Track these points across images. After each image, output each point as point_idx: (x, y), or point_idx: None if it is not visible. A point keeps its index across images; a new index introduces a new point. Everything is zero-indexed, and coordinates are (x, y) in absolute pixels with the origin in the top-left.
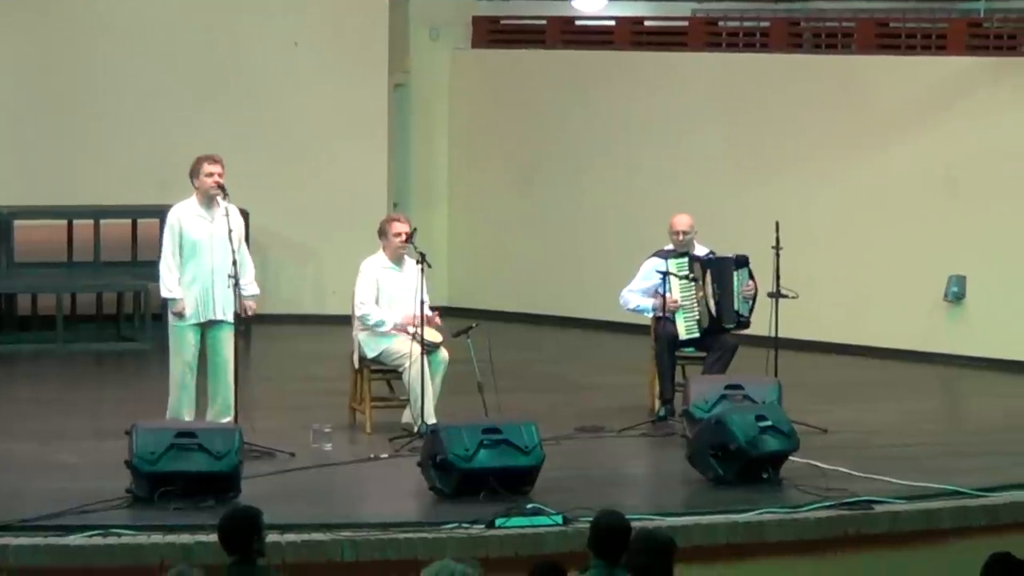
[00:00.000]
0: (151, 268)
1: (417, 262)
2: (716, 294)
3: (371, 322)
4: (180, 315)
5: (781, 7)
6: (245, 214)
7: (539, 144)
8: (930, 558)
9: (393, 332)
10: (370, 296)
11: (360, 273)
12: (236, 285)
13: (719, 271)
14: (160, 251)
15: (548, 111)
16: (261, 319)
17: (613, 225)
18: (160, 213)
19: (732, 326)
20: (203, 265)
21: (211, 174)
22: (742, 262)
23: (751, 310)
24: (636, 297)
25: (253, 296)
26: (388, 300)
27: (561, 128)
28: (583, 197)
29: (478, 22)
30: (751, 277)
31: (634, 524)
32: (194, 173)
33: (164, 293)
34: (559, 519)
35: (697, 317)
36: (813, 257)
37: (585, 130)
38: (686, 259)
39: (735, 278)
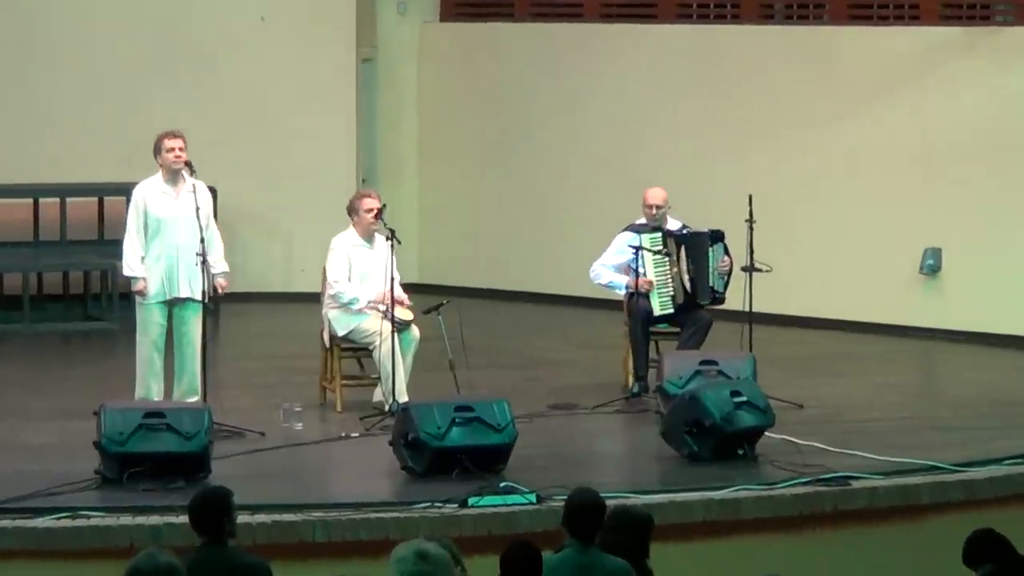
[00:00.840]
0: (118, 247)
1: (387, 239)
2: (691, 270)
3: (345, 299)
4: (141, 294)
5: None
6: (213, 191)
7: (509, 118)
8: (908, 534)
9: (366, 310)
10: (343, 274)
11: (331, 250)
12: (204, 263)
13: (694, 246)
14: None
15: (518, 84)
16: (229, 297)
17: (584, 199)
18: (126, 191)
19: (707, 302)
20: (168, 243)
21: (171, 149)
22: (717, 237)
23: (726, 286)
24: (608, 272)
25: (224, 274)
26: (360, 277)
27: (531, 102)
28: (554, 171)
29: None
30: (726, 252)
31: (609, 502)
32: (156, 150)
33: (125, 271)
34: (532, 497)
35: (671, 293)
36: (787, 230)
37: (555, 103)
38: (660, 234)
39: (710, 254)
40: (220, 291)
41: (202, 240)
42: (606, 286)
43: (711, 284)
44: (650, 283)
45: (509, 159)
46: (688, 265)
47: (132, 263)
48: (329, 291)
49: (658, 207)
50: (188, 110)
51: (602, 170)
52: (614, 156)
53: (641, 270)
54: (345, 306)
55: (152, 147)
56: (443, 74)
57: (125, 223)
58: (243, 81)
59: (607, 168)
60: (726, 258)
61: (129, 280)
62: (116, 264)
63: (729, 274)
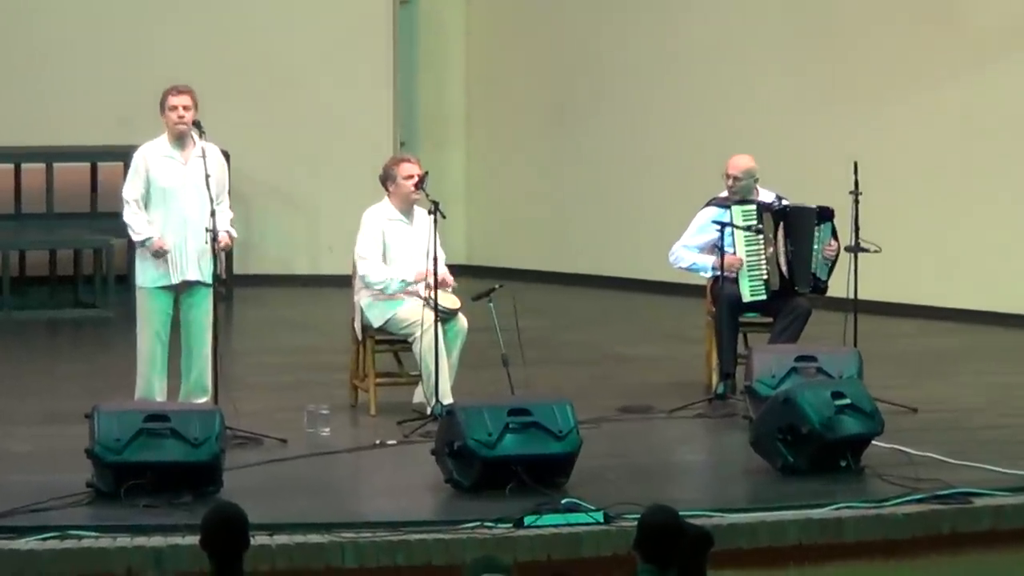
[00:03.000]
0: (114, 221)
1: (429, 212)
2: (789, 251)
3: (375, 283)
4: (163, 251)
5: None
6: (226, 155)
7: (572, 73)
8: None
9: (402, 296)
10: (374, 252)
11: (362, 225)
12: (214, 240)
13: (795, 223)
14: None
15: (582, 33)
16: (245, 280)
17: (659, 168)
18: (124, 155)
19: (807, 290)
20: (174, 216)
21: (174, 108)
22: (826, 215)
23: (830, 274)
24: (691, 254)
25: (227, 232)
26: (396, 258)
27: (598, 54)
28: (623, 135)
29: None
30: (834, 235)
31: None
32: (161, 107)
33: (136, 237)
34: (599, 516)
35: (765, 276)
36: (898, 204)
37: (625, 57)
38: (754, 207)
39: (815, 234)
40: (221, 245)
41: (212, 213)
42: (688, 269)
43: (813, 269)
44: (740, 261)
45: (572, 120)
46: (787, 245)
47: (139, 226)
48: (358, 272)
49: (737, 178)
50: (196, 61)
51: (681, 134)
52: (695, 118)
53: (729, 249)
54: (376, 291)
55: (157, 104)
56: (495, 20)
57: (121, 192)
58: (259, 29)
59: (687, 132)
60: (833, 242)
61: (131, 260)
62: (112, 241)
63: (835, 261)
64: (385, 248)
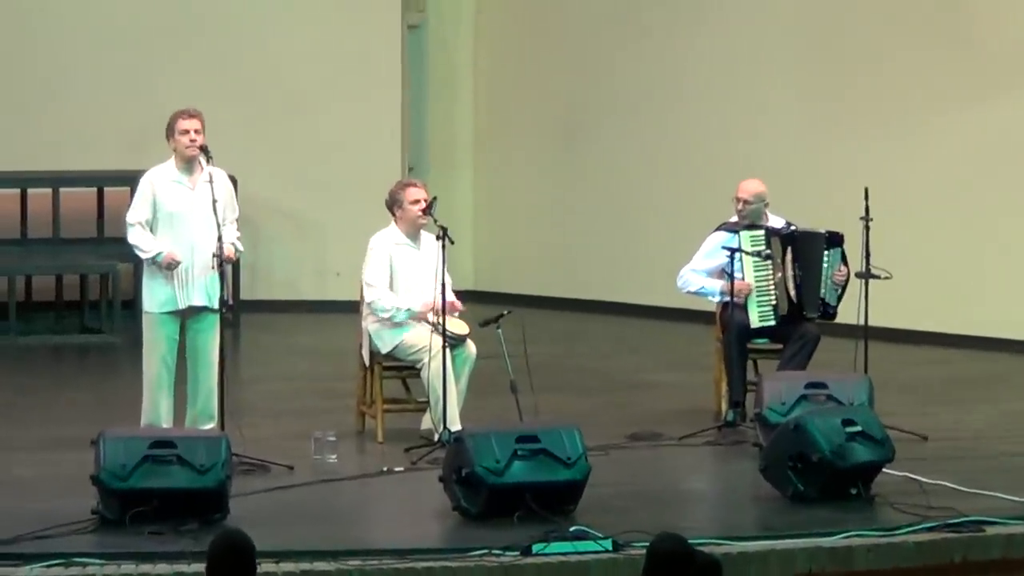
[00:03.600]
0: (120, 246)
1: (437, 237)
2: (797, 276)
3: (385, 311)
4: (174, 266)
5: None
6: (233, 180)
7: (580, 98)
8: None
9: (410, 322)
10: (382, 279)
11: (369, 251)
12: (221, 265)
13: (804, 248)
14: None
15: (591, 58)
16: (252, 306)
17: (668, 193)
18: (131, 180)
19: (815, 315)
20: (182, 241)
21: (185, 132)
22: (835, 240)
23: (839, 299)
24: (699, 278)
25: (234, 245)
26: (403, 283)
27: (606, 79)
28: (633, 159)
29: None
30: (844, 261)
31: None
32: (169, 132)
33: (145, 255)
34: (608, 544)
35: (774, 302)
36: (910, 230)
37: (635, 81)
38: (762, 232)
39: (824, 259)
40: (225, 256)
41: (219, 239)
42: (696, 293)
43: (822, 295)
44: (748, 287)
45: (580, 145)
46: (795, 270)
47: (145, 243)
48: (365, 299)
49: (747, 202)
50: (203, 86)
51: (692, 157)
52: (705, 143)
53: (738, 275)
54: (385, 319)
55: (164, 129)
56: (504, 44)
57: (126, 216)
58: (268, 52)
59: (698, 155)
60: (843, 267)
61: (138, 285)
62: (117, 266)
63: (844, 287)
64: (392, 274)
